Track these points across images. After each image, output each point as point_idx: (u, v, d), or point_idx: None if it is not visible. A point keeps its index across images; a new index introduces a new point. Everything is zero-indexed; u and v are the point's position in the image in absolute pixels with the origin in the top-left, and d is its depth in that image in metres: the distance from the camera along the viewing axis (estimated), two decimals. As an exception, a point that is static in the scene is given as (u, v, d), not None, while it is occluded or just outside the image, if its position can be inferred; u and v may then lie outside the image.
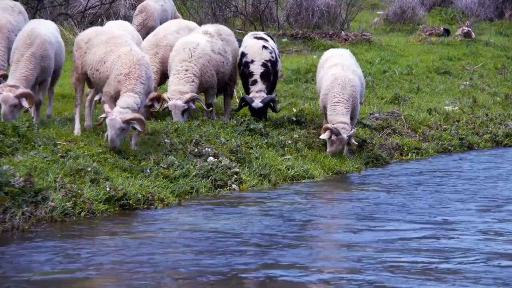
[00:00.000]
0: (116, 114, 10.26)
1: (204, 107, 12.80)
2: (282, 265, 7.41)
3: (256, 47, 13.69)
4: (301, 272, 7.22)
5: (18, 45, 11.57)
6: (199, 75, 12.72)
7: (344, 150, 12.59)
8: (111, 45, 10.99)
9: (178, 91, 12.44)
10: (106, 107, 10.50)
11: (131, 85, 10.55)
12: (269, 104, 13.40)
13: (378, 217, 9.36)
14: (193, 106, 12.48)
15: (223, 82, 13.35)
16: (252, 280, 7.04)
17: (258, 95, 13.33)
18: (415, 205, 9.99)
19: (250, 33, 14.68)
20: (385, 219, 9.24)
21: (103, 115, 10.48)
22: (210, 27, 13.59)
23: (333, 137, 12.21)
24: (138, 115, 10.31)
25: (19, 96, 11.02)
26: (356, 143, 12.56)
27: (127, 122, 10.26)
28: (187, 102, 12.37)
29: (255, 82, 13.42)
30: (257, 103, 13.26)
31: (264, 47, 13.71)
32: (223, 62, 13.17)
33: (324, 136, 12.25)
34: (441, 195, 10.63)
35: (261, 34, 14.52)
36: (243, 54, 13.69)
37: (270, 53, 13.71)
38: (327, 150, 12.40)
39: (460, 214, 9.53)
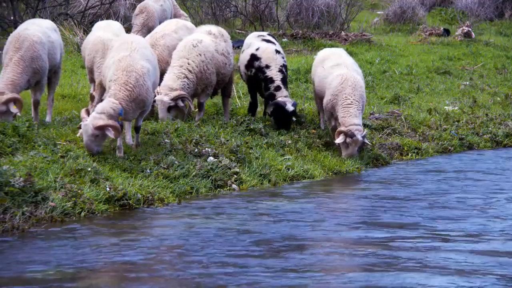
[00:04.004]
0: (90, 120, 10.10)
1: (192, 107, 12.60)
2: (283, 264, 7.42)
3: (270, 51, 13.52)
4: (305, 271, 7.24)
5: (7, 48, 11.45)
6: (196, 72, 12.59)
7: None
8: (116, 51, 10.77)
9: (168, 87, 12.31)
10: (83, 112, 10.35)
11: (114, 91, 10.33)
12: (295, 110, 13.32)
13: (379, 216, 9.36)
14: (182, 104, 12.28)
15: (223, 84, 13.27)
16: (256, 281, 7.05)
17: (287, 100, 13.22)
18: (415, 206, 10.00)
19: (255, 34, 14.42)
20: (385, 218, 9.25)
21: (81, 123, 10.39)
22: (213, 28, 13.48)
23: (348, 140, 12.19)
24: (111, 122, 10.07)
25: (5, 103, 10.94)
26: (370, 143, 12.57)
27: (100, 128, 10.09)
28: (173, 99, 12.28)
29: (279, 88, 13.27)
30: (289, 107, 13.13)
31: (277, 51, 13.58)
32: (225, 64, 13.08)
33: (339, 140, 12.21)
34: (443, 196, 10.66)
35: (267, 35, 14.24)
36: (256, 58, 13.49)
37: (282, 57, 13.60)
38: (343, 154, 12.35)
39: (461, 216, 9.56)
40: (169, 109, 12.32)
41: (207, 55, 12.75)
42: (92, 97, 12.42)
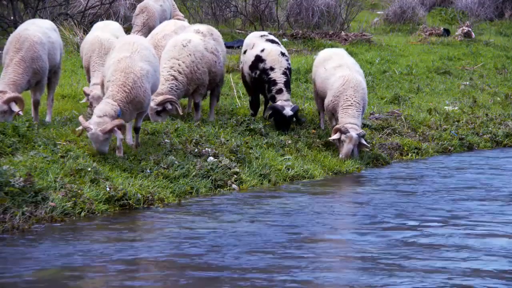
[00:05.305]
0: (96, 127, 10.06)
1: (180, 110, 12.48)
2: (284, 265, 7.42)
3: (275, 53, 13.42)
4: (305, 271, 7.24)
5: (8, 49, 11.41)
6: (186, 73, 12.51)
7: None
8: (118, 52, 10.75)
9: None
10: (81, 119, 10.32)
11: (112, 92, 10.33)
12: (296, 113, 13.26)
13: (379, 216, 9.36)
14: (170, 107, 12.24)
15: (214, 83, 13.12)
16: (254, 281, 7.04)
17: (286, 103, 13.15)
18: (413, 205, 10.00)
19: (257, 34, 14.29)
20: (385, 219, 9.25)
21: (80, 128, 10.34)
22: (202, 27, 13.38)
23: (342, 137, 12.23)
24: (116, 122, 10.10)
25: (7, 102, 10.94)
26: (368, 145, 12.57)
27: (108, 132, 10.09)
28: (159, 104, 12.21)
29: (280, 91, 13.19)
30: (288, 111, 13.04)
31: (282, 53, 13.48)
32: (215, 62, 12.95)
33: (334, 136, 12.28)
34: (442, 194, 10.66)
35: (269, 35, 14.13)
36: (260, 59, 13.42)
37: (287, 60, 13.50)
38: (340, 155, 12.38)
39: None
40: (159, 113, 12.29)
41: (197, 55, 12.66)
42: (85, 93, 12.44)
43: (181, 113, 12.44)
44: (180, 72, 12.48)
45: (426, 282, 6.99)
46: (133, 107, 10.46)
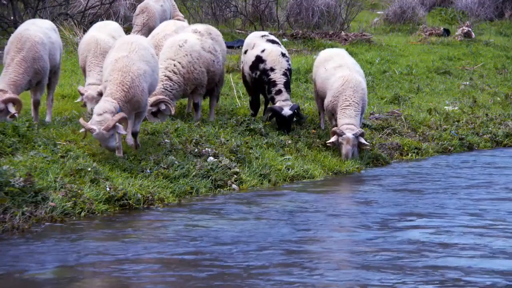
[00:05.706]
0: (99, 127, 10.02)
1: (172, 110, 12.33)
2: (295, 262, 7.43)
3: (275, 54, 13.41)
4: (305, 271, 7.24)
5: (9, 49, 11.40)
6: (183, 73, 12.46)
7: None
8: (116, 51, 10.73)
9: None
10: (82, 121, 10.26)
11: (110, 90, 10.33)
12: (296, 112, 13.23)
13: (379, 216, 9.36)
14: (163, 107, 12.19)
15: (213, 83, 13.07)
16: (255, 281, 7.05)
17: (285, 103, 13.15)
18: (415, 204, 10.01)
19: (258, 34, 14.27)
20: (386, 219, 9.25)
21: (83, 130, 10.32)
22: (200, 26, 13.35)
23: (340, 139, 12.25)
24: (117, 117, 10.08)
25: (5, 101, 10.93)
26: (368, 143, 12.57)
27: (112, 128, 10.06)
28: (153, 105, 12.15)
29: (279, 92, 13.19)
30: (286, 111, 13.06)
31: (282, 54, 13.46)
32: (213, 61, 12.89)
33: (331, 139, 12.32)
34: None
35: (269, 35, 14.11)
36: (261, 60, 13.42)
37: (287, 61, 13.49)
38: (342, 156, 12.40)
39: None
40: (155, 114, 12.27)
41: (193, 55, 12.60)
42: (80, 93, 12.44)
43: (172, 113, 12.38)
44: (175, 73, 12.44)
45: (438, 280, 6.99)
46: (131, 107, 10.47)
